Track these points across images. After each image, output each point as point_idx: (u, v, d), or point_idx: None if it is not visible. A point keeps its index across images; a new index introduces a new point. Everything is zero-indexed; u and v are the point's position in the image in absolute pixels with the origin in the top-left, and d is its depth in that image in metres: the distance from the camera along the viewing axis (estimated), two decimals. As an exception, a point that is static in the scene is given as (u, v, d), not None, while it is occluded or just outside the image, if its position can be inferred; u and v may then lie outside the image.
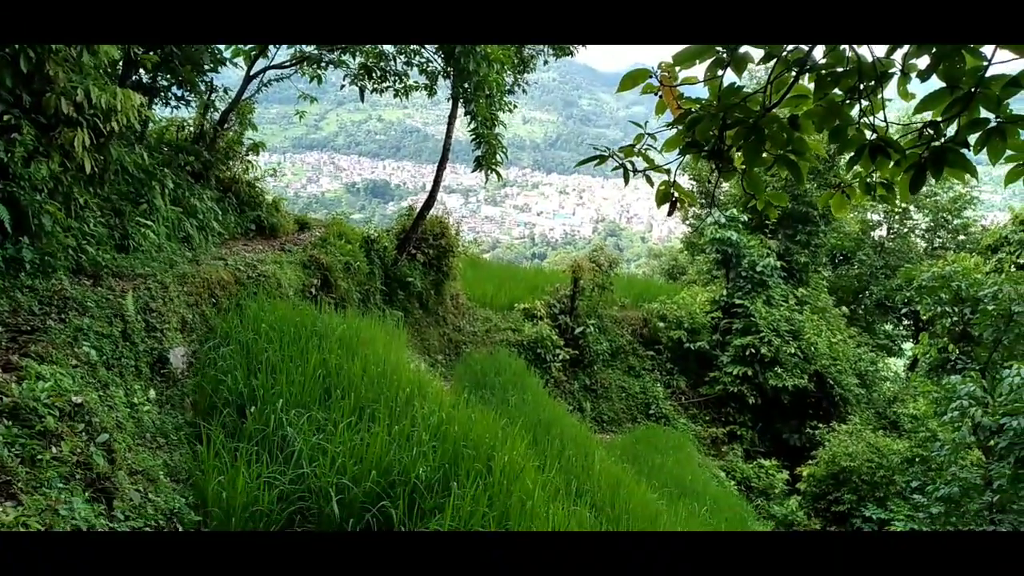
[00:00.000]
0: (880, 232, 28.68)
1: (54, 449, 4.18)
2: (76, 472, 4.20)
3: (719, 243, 19.43)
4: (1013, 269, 18.60)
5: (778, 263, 19.63)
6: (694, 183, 32.04)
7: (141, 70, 9.93)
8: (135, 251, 8.74)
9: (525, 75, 15.76)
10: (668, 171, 3.42)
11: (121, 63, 9.12)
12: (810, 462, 16.81)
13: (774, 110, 2.78)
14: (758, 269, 19.26)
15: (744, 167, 3.05)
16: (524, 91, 15.89)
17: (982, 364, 14.23)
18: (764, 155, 2.84)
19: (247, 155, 12.29)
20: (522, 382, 12.83)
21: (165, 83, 10.34)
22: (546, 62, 15.77)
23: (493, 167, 12.20)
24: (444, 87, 14.00)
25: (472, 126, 11.90)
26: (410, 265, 14.94)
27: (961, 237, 29.28)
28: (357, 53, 12.96)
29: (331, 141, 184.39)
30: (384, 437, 5.86)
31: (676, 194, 3.45)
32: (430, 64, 13.60)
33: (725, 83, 2.80)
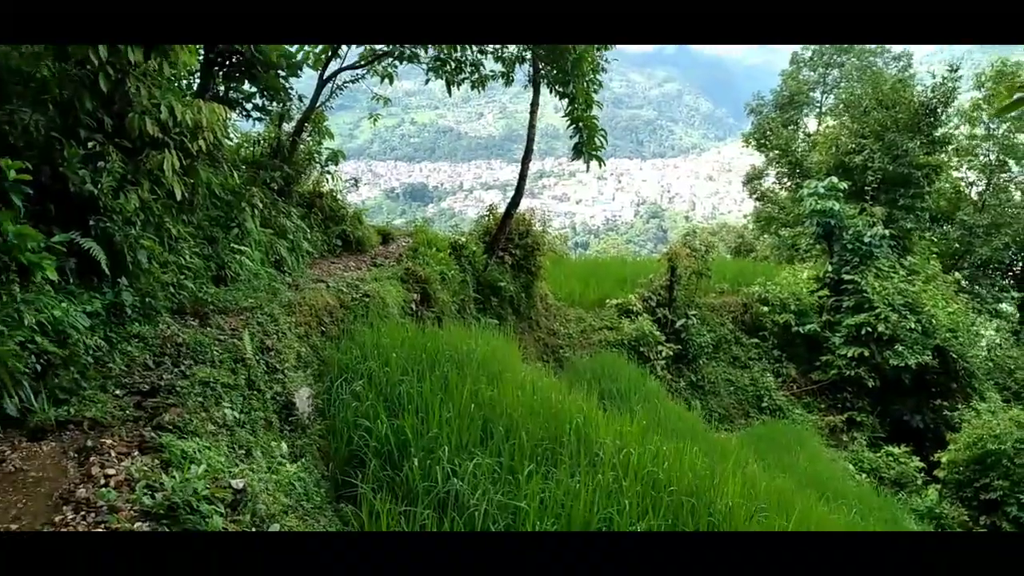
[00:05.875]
0: (977, 189, 26.53)
1: (224, 559, 3.18)
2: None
3: (820, 215, 17.84)
4: None
5: (886, 231, 17.98)
6: (761, 153, 30.30)
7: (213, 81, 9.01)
8: (233, 281, 7.86)
9: (603, 52, 14.48)
10: None
11: (199, 73, 8.22)
12: (950, 447, 15.18)
13: None
14: (865, 240, 17.63)
15: None
16: (604, 70, 14.60)
17: None
18: None
19: (327, 166, 11.34)
20: (643, 388, 11.65)
21: (240, 94, 9.39)
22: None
23: (594, 153, 10.97)
24: (520, 72, 12.89)
25: (569, 110, 10.70)
26: (499, 269, 13.89)
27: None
28: (429, 47, 11.89)
29: (366, 149, 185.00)
30: (584, 488, 4.75)
31: None
32: (505, 50, 12.49)
33: None
